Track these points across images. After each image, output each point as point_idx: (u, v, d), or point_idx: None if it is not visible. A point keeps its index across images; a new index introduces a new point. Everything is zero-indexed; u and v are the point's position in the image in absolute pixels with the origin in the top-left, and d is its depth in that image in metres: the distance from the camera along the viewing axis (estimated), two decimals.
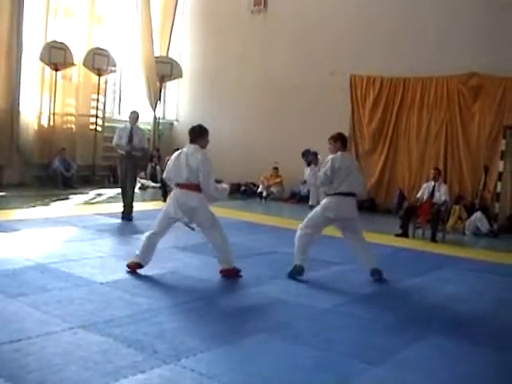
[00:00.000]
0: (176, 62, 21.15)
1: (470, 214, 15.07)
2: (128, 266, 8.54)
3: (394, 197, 17.23)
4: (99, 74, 19.17)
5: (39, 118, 18.56)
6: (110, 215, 13.40)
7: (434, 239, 13.35)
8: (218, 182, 8.98)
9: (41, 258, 9.00)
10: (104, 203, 15.76)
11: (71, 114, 19.36)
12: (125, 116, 20.73)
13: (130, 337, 5.98)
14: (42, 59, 17.89)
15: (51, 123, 18.66)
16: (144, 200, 16.51)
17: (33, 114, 18.47)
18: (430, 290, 9.09)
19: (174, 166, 8.52)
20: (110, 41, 19.75)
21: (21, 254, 9.10)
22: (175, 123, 22.31)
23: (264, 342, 6.18)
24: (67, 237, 10.94)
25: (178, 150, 14.65)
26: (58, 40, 18.24)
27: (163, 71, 20.65)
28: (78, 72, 19.22)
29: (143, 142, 13.56)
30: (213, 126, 20.63)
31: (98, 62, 18.90)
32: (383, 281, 9.11)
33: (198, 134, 8.64)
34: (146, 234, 8.73)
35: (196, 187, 8.32)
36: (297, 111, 18.77)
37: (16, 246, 9.63)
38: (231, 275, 8.57)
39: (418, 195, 14.11)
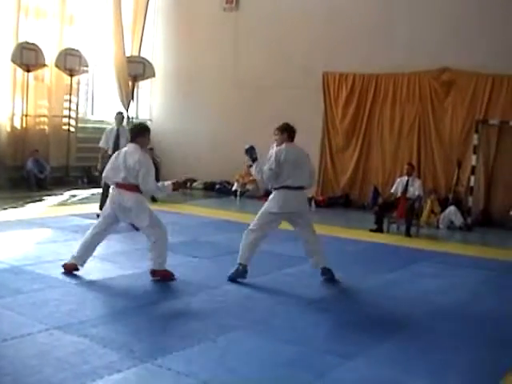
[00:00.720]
0: (148, 62, 21.07)
1: (443, 208, 15.18)
2: (64, 266, 8.37)
3: (368, 192, 17.31)
4: (71, 75, 19.04)
5: (11, 120, 18.39)
6: (85, 216, 13.31)
7: (408, 234, 13.44)
8: (191, 180, 8.89)
9: (15, 260, 8.95)
10: (78, 204, 15.68)
11: (44, 115, 19.20)
12: (98, 116, 20.75)
13: (106, 337, 5.98)
14: (13, 60, 17.74)
15: (24, 125, 18.51)
16: None
17: (5, 115, 18.31)
18: (406, 284, 9.17)
19: (112, 165, 8.40)
20: (81, 41, 19.64)
21: None
22: (149, 122, 22.12)
23: (240, 339, 6.21)
24: (42, 238, 10.89)
25: (151, 149, 14.64)
26: (30, 41, 18.11)
27: (136, 71, 20.55)
28: (50, 73, 19.09)
29: None
30: (187, 125, 20.87)
31: (70, 62, 18.77)
32: (335, 281, 8.82)
33: (138, 133, 8.44)
34: (88, 233, 8.52)
35: (133, 187, 8.16)
36: (271, 109, 18.72)
37: None
38: (165, 278, 8.33)
39: (392, 190, 14.19)
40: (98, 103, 21.22)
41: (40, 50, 18.07)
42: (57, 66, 18.75)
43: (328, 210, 16.91)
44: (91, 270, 8.53)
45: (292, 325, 6.78)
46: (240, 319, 6.85)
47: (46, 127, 19.25)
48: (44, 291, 7.45)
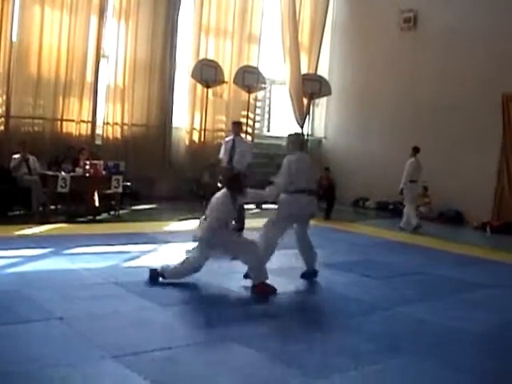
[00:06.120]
0: (325, 80, 21.12)
1: None
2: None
3: None
4: (249, 92, 19.45)
5: (190, 134, 19.02)
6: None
7: None
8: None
9: None
10: (251, 218, 15.88)
11: (221, 130, 19.71)
12: (274, 132, 21.04)
13: (278, 351, 5.99)
14: (193, 76, 18.35)
15: (202, 139, 19.09)
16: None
17: (184, 129, 18.98)
18: None
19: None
20: (259, 59, 20.06)
21: None
22: (323, 140, 22.30)
23: (413, 364, 6.01)
24: None
25: (327, 169, 14.78)
26: (210, 58, 18.70)
27: (312, 88, 20.65)
28: (228, 89, 19.58)
29: None
30: (360, 143, 20.80)
31: (248, 79, 19.18)
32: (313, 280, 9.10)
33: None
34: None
35: None
36: (446, 130, 18.32)
37: (165, 258, 9.82)
38: (266, 292, 8.26)
39: None
40: (274, 120, 21.55)
41: (219, 67, 18.57)
42: (235, 82, 19.19)
43: (505, 235, 16.19)
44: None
45: (467, 353, 6.51)
46: (412, 343, 6.66)
47: (222, 141, 19.74)
48: (216, 302, 7.65)
